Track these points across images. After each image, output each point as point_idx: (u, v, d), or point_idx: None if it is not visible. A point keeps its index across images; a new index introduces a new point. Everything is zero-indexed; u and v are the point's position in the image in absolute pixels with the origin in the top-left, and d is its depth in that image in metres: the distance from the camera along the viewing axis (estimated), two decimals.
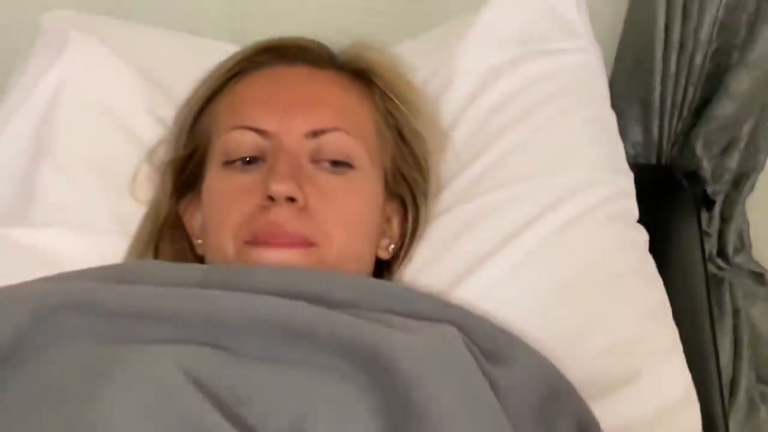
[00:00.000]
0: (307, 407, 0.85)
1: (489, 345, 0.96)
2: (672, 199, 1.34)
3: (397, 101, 1.16)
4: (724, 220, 1.47)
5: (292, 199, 1.02)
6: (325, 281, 0.97)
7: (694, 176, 1.42)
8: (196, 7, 1.47)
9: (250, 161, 1.07)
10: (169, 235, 1.14)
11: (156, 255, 1.13)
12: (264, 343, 0.89)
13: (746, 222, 1.49)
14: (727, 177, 1.44)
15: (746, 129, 1.42)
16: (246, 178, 1.05)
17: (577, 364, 1.02)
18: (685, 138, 1.43)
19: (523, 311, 1.07)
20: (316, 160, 1.07)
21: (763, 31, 1.33)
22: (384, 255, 1.14)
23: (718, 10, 1.34)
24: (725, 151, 1.43)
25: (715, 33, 1.37)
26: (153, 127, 1.22)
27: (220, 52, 1.21)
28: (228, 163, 1.07)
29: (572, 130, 1.20)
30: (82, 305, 0.91)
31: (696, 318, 1.20)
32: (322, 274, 1.00)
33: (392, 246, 1.14)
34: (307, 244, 1.03)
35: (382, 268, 1.15)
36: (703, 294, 1.26)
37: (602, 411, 0.99)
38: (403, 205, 1.15)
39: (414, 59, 1.24)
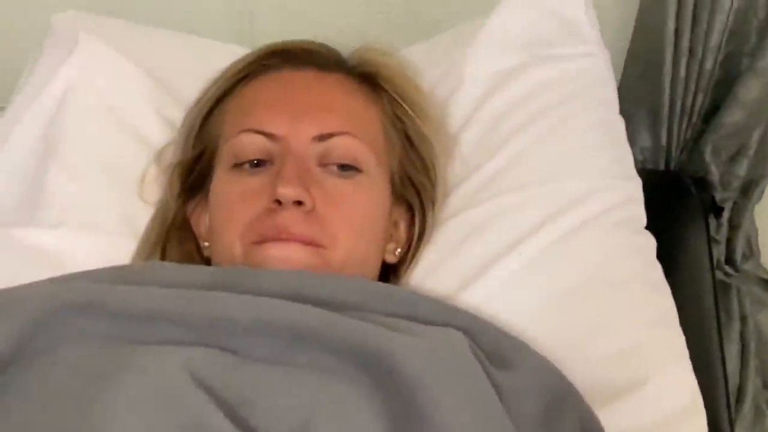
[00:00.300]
0: (312, 410, 0.85)
1: (494, 349, 0.96)
2: (680, 206, 1.34)
3: (404, 105, 1.16)
4: (733, 227, 1.47)
5: (299, 203, 1.02)
6: (330, 284, 0.97)
7: (703, 183, 1.42)
8: (204, 8, 1.48)
9: (258, 164, 1.07)
10: (177, 236, 1.15)
11: (163, 256, 1.14)
12: (270, 345, 0.89)
13: (755, 229, 1.49)
14: (736, 184, 1.44)
15: (755, 136, 1.41)
16: (254, 181, 1.06)
17: (582, 370, 1.02)
18: (693, 144, 1.43)
19: (528, 316, 1.07)
20: (323, 164, 1.07)
21: None
22: (391, 259, 1.14)
23: (728, 17, 1.34)
24: (734, 158, 1.42)
25: (725, 40, 1.36)
26: (161, 129, 1.22)
27: (228, 53, 1.22)
28: (236, 166, 1.08)
29: (580, 136, 1.20)
30: (87, 307, 0.91)
31: (703, 325, 1.20)
32: (327, 277, 1.00)
33: (399, 250, 1.15)
34: (314, 245, 1.03)
35: (389, 272, 1.15)
36: (711, 301, 1.25)
37: (607, 417, 0.99)
38: (410, 209, 1.15)
39: (422, 63, 1.24)
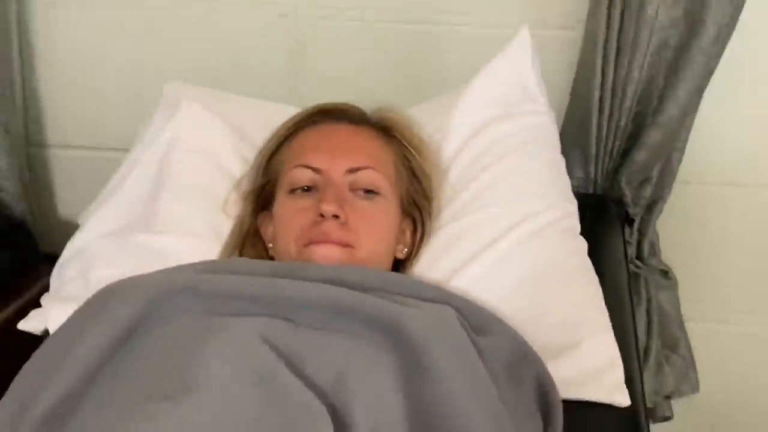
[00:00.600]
0: (346, 363, 0.86)
1: (474, 320, 0.97)
2: (604, 219, 1.34)
3: (410, 148, 1.16)
4: (641, 233, 1.47)
5: (336, 216, 1.03)
6: (358, 273, 0.98)
7: (620, 203, 1.42)
8: (268, 79, 1.47)
9: (307, 189, 1.08)
10: (250, 241, 1.15)
11: (240, 255, 1.14)
12: (316, 316, 0.91)
13: (657, 235, 1.48)
14: (643, 203, 1.44)
15: (656, 171, 1.41)
16: (304, 202, 1.06)
17: (537, 336, 1.02)
18: (613, 176, 1.42)
19: (499, 297, 1.08)
20: (353, 189, 1.07)
21: (669, 102, 1.33)
22: (400, 256, 1.14)
23: (637, 87, 1.34)
24: (641, 185, 1.42)
25: (634, 103, 1.36)
26: (239, 165, 1.22)
27: (284, 112, 1.22)
28: (292, 191, 1.08)
29: (534, 170, 1.20)
30: (186, 290, 0.93)
31: (620, 303, 1.19)
32: (356, 268, 1.01)
33: (406, 250, 1.14)
34: (347, 246, 1.04)
35: (399, 265, 1.14)
36: (625, 286, 1.25)
37: (554, 369, 1.00)
38: (414, 221, 1.15)
39: (422, 118, 1.24)
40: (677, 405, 1.55)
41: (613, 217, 1.38)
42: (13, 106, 1.48)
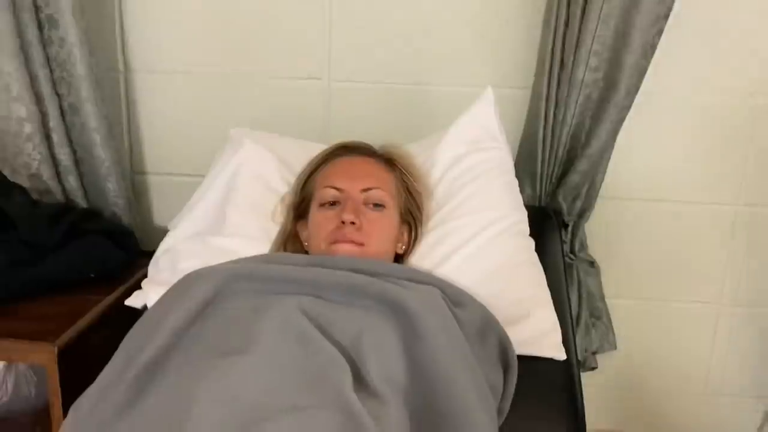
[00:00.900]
0: (362, 328, 0.87)
1: (453, 297, 0.97)
2: (546, 224, 1.33)
3: (407, 174, 1.15)
4: (573, 235, 1.46)
5: (353, 223, 1.03)
6: (369, 263, 0.98)
7: (558, 213, 1.41)
8: (305, 123, 1.46)
9: (333, 204, 1.07)
10: (291, 241, 1.14)
11: (284, 251, 1.13)
12: (338, 294, 0.91)
13: (585, 236, 1.47)
14: (575, 213, 1.43)
15: (584, 190, 1.40)
16: (331, 212, 1.06)
17: (498, 308, 1.01)
18: (552, 194, 1.42)
19: (470, 281, 1.06)
20: (366, 203, 1.07)
21: (593, 140, 1.33)
22: (399, 252, 1.13)
23: (569, 128, 1.34)
24: (574, 200, 1.41)
25: (568, 139, 1.36)
26: (283, 186, 1.21)
27: (316, 148, 1.20)
28: (322, 205, 1.08)
29: (495, 189, 1.19)
30: (248, 274, 0.93)
31: (558, 285, 1.19)
32: (368, 260, 1.00)
33: (404, 247, 1.13)
34: (361, 244, 1.03)
35: (398, 258, 1.14)
36: (562, 273, 1.24)
37: (511, 333, 1.00)
38: (409, 226, 1.14)
39: (416, 151, 1.23)
40: (600, 358, 1.54)
41: (553, 223, 1.37)
42: (122, 144, 1.49)
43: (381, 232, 1.07)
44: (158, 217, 1.57)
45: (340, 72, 1.45)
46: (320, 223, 1.06)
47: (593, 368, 1.52)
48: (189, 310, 0.87)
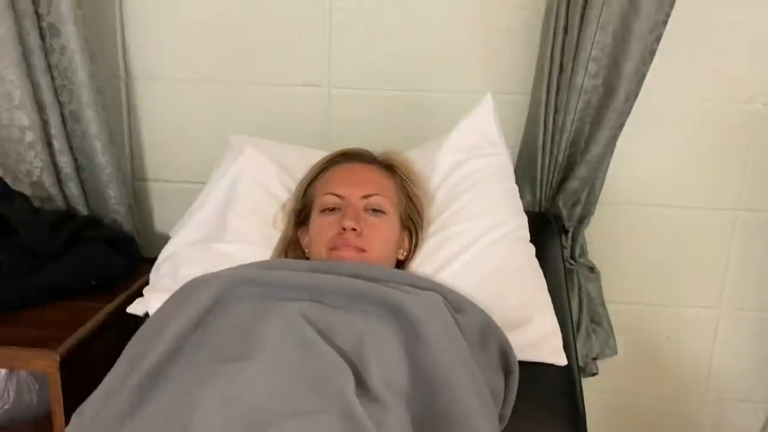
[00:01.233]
0: (363, 332, 0.87)
1: (454, 303, 0.97)
2: (546, 230, 1.33)
3: (407, 180, 1.16)
4: (573, 240, 1.46)
5: (354, 229, 1.03)
6: (370, 269, 0.98)
7: (558, 218, 1.41)
8: (305, 130, 1.46)
9: (333, 210, 1.07)
10: (292, 247, 1.14)
11: (285, 257, 1.13)
12: (340, 299, 0.91)
13: (585, 241, 1.47)
14: (575, 218, 1.43)
15: (584, 195, 1.40)
16: (331, 219, 1.06)
17: (498, 314, 1.01)
18: (552, 199, 1.42)
19: (471, 286, 1.07)
20: (366, 209, 1.07)
21: (593, 146, 1.33)
22: (400, 257, 1.13)
23: (569, 134, 1.34)
24: (573, 205, 1.41)
25: (568, 145, 1.36)
26: (284, 192, 1.21)
27: (316, 154, 1.21)
28: (323, 211, 1.08)
29: (495, 195, 1.19)
30: (250, 280, 0.93)
31: (559, 290, 1.19)
32: (369, 265, 1.01)
33: (405, 253, 1.14)
34: (362, 250, 1.03)
35: (400, 264, 1.14)
36: (562, 278, 1.24)
37: (512, 338, 1.00)
38: (410, 232, 1.14)
39: (416, 157, 1.23)
40: (601, 364, 1.54)
41: (554, 228, 1.37)
42: (122, 151, 1.50)
43: (382, 237, 1.07)
44: (159, 224, 1.57)
45: (339, 79, 1.45)
46: (321, 229, 1.06)
47: (594, 374, 1.52)
48: (191, 317, 0.87)
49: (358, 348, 0.84)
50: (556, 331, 1.07)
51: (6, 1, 1.23)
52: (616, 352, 1.52)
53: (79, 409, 0.83)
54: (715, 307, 1.56)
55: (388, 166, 1.16)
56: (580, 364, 1.47)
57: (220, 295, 0.91)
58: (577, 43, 1.25)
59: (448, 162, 1.21)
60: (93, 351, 1.14)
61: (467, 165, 1.21)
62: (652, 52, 1.26)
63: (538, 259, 1.17)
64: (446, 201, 1.18)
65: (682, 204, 1.49)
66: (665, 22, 1.24)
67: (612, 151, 1.37)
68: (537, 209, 1.42)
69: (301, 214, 1.14)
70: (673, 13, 1.24)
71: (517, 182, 1.26)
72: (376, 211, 1.07)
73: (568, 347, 1.07)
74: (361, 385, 0.80)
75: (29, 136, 1.32)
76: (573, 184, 1.37)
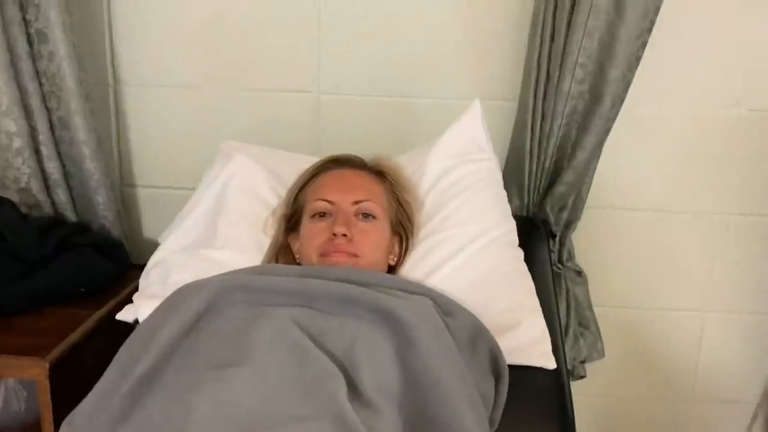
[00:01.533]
0: (355, 337, 0.87)
1: (445, 307, 0.97)
2: (534, 235, 1.34)
3: (397, 185, 1.16)
4: (561, 245, 1.47)
5: (345, 235, 1.03)
6: (362, 274, 0.98)
7: (546, 223, 1.42)
8: (295, 136, 1.47)
9: (324, 215, 1.07)
10: (283, 253, 1.14)
11: (276, 263, 1.13)
12: (331, 304, 0.91)
13: (572, 245, 1.49)
14: (562, 223, 1.44)
15: (570, 200, 1.41)
16: (322, 224, 1.06)
17: (488, 318, 1.01)
18: (540, 204, 1.43)
19: (461, 290, 1.07)
20: (357, 215, 1.07)
21: (579, 151, 1.34)
22: (391, 263, 1.13)
23: (556, 140, 1.35)
24: (561, 210, 1.42)
25: (555, 150, 1.37)
26: (274, 198, 1.21)
27: (307, 160, 1.21)
28: (313, 216, 1.08)
29: (484, 200, 1.20)
30: (241, 286, 0.93)
31: (547, 295, 1.19)
32: (360, 270, 1.01)
33: (395, 258, 1.14)
34: (354, 256, 1.03)
35: (391, 269, 1.14)
36: (550, 282, 1.25)
37: (501, 342, 1.00)
38: (401, 238, 1.15)
39: (406, 163, 1.23)
40: (589, 367, 1.55)
41: (541, 233, 1.38)
42: (111, 157, 1.49)
43: (373, 243, 1.07)
44: (148, 231, 1.57)
45: (329, 84, 1.46)
46: (312, 235, 1.06)
47: (582, 377, 1.53)
48: (183, 323, 0.87)
49: (350, 353, 0.84)
50: (545, 335, 1.08)
51: None
52: (603, 355, 1.54)
53: (68, 418, 0.83)
54: (701, 309, 1.58)
55: (378, 172, 1.16)
56: (569, 367, 1.48)
57: (212, 301, 0.90)
58: (564, 49, 1.27)
59: (437, 168, 1.21)
60: (83, 358, 1.14)
61: (456, 171, 1.21)
62: (638, 59, 1.27)
63: (527, 264, 1.18)
64: (435, 206, 1.18)
65: (668, 208, 1.51)
66: (650, 30, 1.25)
67: (598, 157, 1.39)
68: (525, 214, 1.43)
69: (291, 220, 1.14)
70: (659, 20, 1.26)
71: (505, 187, 1.27)
72: (367, 216, 1.07)
73: (556, 351, 1.08)
74: (353, 389, 0.81)
75: (17, 143, 1.32)
76: (560, 189, 1.38)
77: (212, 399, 0.75)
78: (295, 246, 1.13)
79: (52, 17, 1.26)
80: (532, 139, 1.35)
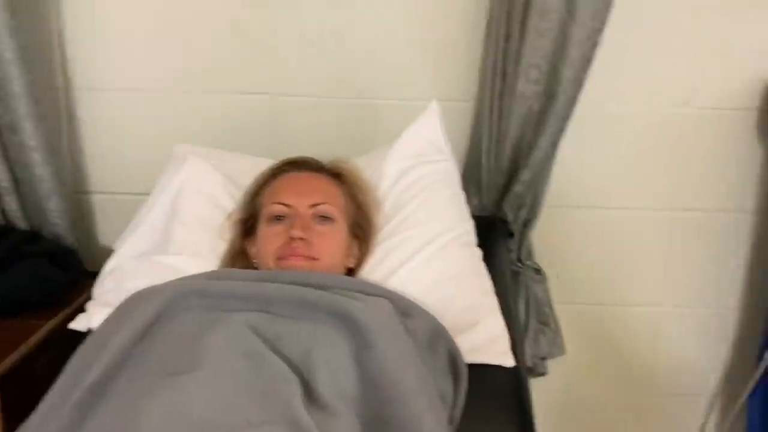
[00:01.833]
0: (312, 341, 0.87)
1: (403, 308, 0.98)
2: (493, 234, 1.35)
3: (355, 188, 1.16)
4: (520, 243, 1.48)
5: (302, 239, 1.03)
6: (320, 277, 0.98)
7: (504, 222, 1.44)
8: (251, 138, 1.45)
9: (280, 219, 1.07)
10: (240, 258, 1.13)
11: (233, 267, 1.13)
12: (288, 308, 0.91)
13: (531, 244, 1.50)
14: (520, 221, 1.46)
15: (528, 198, 1.43)
16: (279, 228, 1.06)
17: (447, 318, 1.02)
18: (498, 203, 1.44)
19: (419, 291, 1.07)
20: (314, 218, 1.07)
21: (535, 151, 1.36)
22: (350, 265, 1.13)
23: (512, 140, 1.37)
24: (519, 208, 1.44)
25: (511, 152, 1.39)
26: (229, 202, 1.21)
27: (262, 163, 1.21)
28: (269, 220, 1.08)
29: (442, 200, 1.21)
30: (196, 291, 0.92)
31: (506, 293, 1.20)
32: (318, 273, 1.01)
33: (354, 260, 1.14)
34: (312, 259, 1.03)
35: (350, 271, 1.14)
36: (509, 280, 1.27)
37: (460, 342, 1.01)
38: (359, 240, 1.15)
39: (364, 165, 1.24)
40: (550, 364, 1.57)
41: (500, 232, 1.39)
42: (63, 163, 1.46)
43: (331, 246, 1.07)
44: (103, 237, 1.55)
45: (285, 86, 1.45)
46: (269, 239, 1.06)
47: (543, 374, 1.55)
48: (135, 329, 0.86)
49: (307, 357, 0.84)
50: (504, 333, 1.09)
51: None
52: (564, 352, 1.56)
53: (20, 429, 0.81)
54: (658, 305, 1.61)
55: (336, 174, 1.16)
56: (530, 364, 1.51)
57: (166, 306, 0.90)
58: (518, 50, 1.28)
59: (396, 169, 1.22)
60: (35, 368, 1.12)
61: (414, 172, 1.22)
62: (590, 59, 1.30)
63: (486, 262, 1.19)
64: (394, 208, 1.19)
65: (623, 205, 1.54)
66: (602, 30, 1.28)
67: (554, 156, 1.41)
68: (483, 213, 1.44)
69: (247, 224, 1.13)
70: (611, 20, 1.28)
71: (464, 187, 1.28)
72: (325, 219, 1.07)
73: (515, 348, 1.09)
74: (310, 394, 0.80)
75: None
76: (518, 188, 1.39)
77: (164, 406, 0.74)
78: (252, 250, 1.12)
79: None
80: (489, 139, 1.37)
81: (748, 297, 1.61)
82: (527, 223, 1.46)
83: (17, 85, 1.28)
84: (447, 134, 1.27)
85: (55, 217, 1.39)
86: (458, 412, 0.96)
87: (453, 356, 0.99)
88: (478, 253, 1.20)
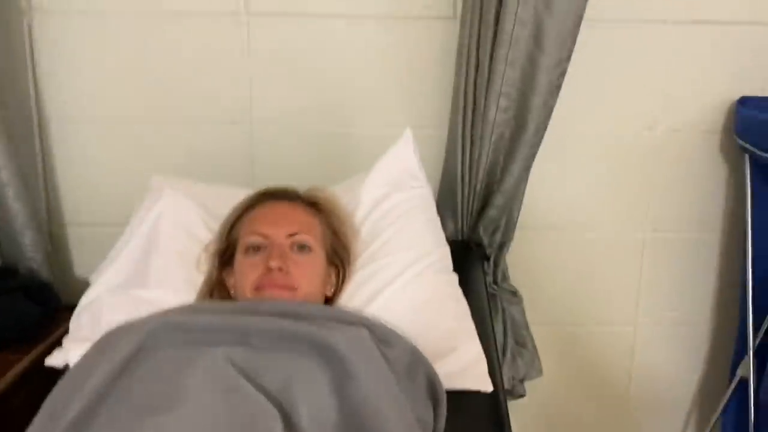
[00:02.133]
0: (292, 373, 0.86)
1: (381, 336, 0.97)
2: (468, 258, 1.36)
3: (332, 216, 1.17)
4: (495, 266, 1.50)
5: (280, 269, 1.03)
6: (298, 306, 0.98)
7: (479, 245, 1.45)
8: (227, 168, 1.47)
9: (258, 249, 1.07)
10: (218, 289, 1.13)
11: (210, 299, 1.12)
12: (269, 341, 0.90)
13: (506, 266, 1.52)
14: (495, 245, 1.48)
15: (502, 223, 1.45)
16: (256, 259, 1.06)
17: (424, 344, 1.02)
18: (473, 227, 1.46)
19: (397, 319, 1.06)
20: (291, 247, 1.07)
21: (507, 176, 1.38)
22: (329, 294, 1.13)
23: (485, 166, 1.39)
24: (493, 233, 1.46)
25: (485, 176, 1.41)
26: (206, 234, 1.21)
27: (239, 194, 1.20)
28: (247, 251, 1.08)
29: (417, 227, 1.22)
30: (174, 325, 0.92)
31: (483, 316, 1.21)
32: (296, 303, 1.01)
33: (332, 288, 1.14)
34: (291, 289, 1.04)
35: (328, 300, 1.14)
36: (486, 303, 1.27)
37: (438, 368, 1.01)
38: (337, 268, 1.15)
39: (341, 192, 1.24)
40: (528, 385, 1.58)
41: (475, 255, 1.40)
42: (38, 196, 1.46)
43: (309, 275, 1.07)
44: (79, 270, 1.54)
45: (261, 115, 1.46)
46: (246, 269, 1.06)
47: (522, 395, 1.56)
48: (114, 366, 0.85)
49: (287, 389, 0.84)
50: (481, 358, 1.09)
51: None
52: (541, 373, 1.57)
53: None
54: (632, 323, 1.64)
55: (313, 203, 1.16)
56: (508, 387, 1.51)
57: (144, 342, 0.89)
58: (488, 79, 1.31)
59: (371, 197, 1.23)
60: (12, 404, 1.10)
61: (390, 199, 1.23)
62: (558, 86, 1.33)
63: (462, 287, 1.20)
64: (370, 235, 1.20)
65: (596, 227, 1.57)
66: (569, 58, 1.31)
67: (526, 180, 1.43)
68: (459, 238, 1.46)
69: (225, 255, 1.13)
70: (577, 47, 1.32)
71: (439, 213, 1.29)
72: (302, 248, 1.08)
73: (493, 373, 1.09)
74: (291, 427, 0.80)
75: None
76: (492, 212, 1.41)
77: None
78: (230, 281, 1.12)
79: None
80: (462, 165, 1.39)
81: (720, 313, 1.65)
82: (502, 246, 1.48)
83: None
84: (421, 161, 1.29)
85: (30, 251, 1.38)
86: None
87: (432, 382, 0.99)
88: (455, 278, 1.21)
